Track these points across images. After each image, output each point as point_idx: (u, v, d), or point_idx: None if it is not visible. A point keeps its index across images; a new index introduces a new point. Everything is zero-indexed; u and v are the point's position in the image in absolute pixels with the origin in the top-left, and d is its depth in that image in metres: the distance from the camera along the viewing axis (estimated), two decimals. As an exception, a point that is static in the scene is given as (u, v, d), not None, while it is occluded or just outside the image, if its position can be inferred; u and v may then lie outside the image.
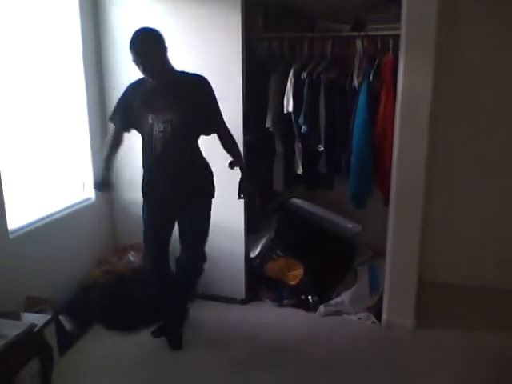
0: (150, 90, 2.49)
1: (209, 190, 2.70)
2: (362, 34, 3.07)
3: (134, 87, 2.58)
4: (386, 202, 2.97)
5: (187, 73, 2.55)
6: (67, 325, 2.70)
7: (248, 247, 3.23)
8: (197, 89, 2.53)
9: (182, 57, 2.97)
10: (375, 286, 3.09)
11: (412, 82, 2.67)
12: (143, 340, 2.83)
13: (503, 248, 3.36)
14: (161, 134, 2.47)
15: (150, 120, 2.48)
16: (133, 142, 3.21)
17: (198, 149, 2.62)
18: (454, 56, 3.16)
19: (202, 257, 2.73)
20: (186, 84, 2.52)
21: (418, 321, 2.91)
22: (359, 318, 3.00)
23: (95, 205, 3.27)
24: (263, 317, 3.10)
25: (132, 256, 3.19)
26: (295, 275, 3.16)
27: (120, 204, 3.38)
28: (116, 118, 2.64)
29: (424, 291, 2.99)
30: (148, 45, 2.38)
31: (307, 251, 3.18)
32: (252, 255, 3.24)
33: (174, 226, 2.74)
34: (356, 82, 3.04)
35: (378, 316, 2.97)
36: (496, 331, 2.90)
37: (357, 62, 3.08)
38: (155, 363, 2.64)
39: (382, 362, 2.64)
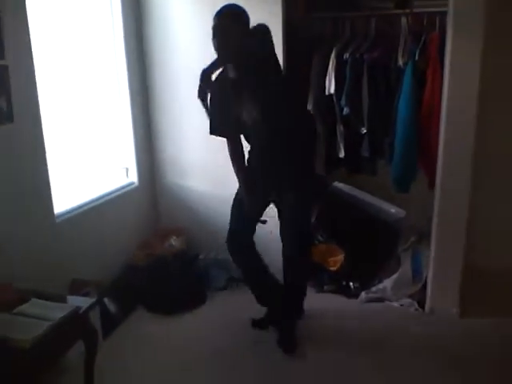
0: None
1: None
2: (407, 11, 2.98)
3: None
4: (432, 185, 2.91)
5: None
6: (111, 307, 2.79)
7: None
8: None
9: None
10: (418, 272, 3.04)
11: (460, 61, 2.58)
12: (185, 324, 2.89)
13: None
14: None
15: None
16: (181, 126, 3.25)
17: None
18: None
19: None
20: None
21: (462, 308, 2.85)
22: (401, 305, 2.96)
23: (138, 189, 3.36)
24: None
25: (174, 240, 3.26)
26: (336, 261, 3.16)
27: (163, 188, 3.46)
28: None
29: (470, 278, 2.91)
30: (224, 27, 2.26)
31: (349, 237, 3.16)
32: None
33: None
34: (401, 62, 2.96)
35: (421, 303, 2.93)
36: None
37: (402, 41, 3.00)
38: (196, 347, 2.68)
39: (426, 349, 2.60)
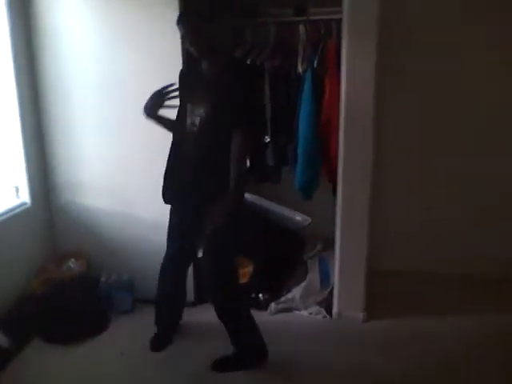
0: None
1: None
2: (305, 18, 3.04)
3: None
4: (335, 192, 2.98)
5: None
6: (2, 341, 2.62)
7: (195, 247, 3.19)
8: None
9: (118, 50, 2.96)
10: (326, 279, 3.11)
11: (355, 66, 2.67)
12: (84, 353, 2.76)
13: (449, 234, 3.46)
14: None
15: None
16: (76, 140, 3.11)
17: None
18: (399, 39, 3.16)
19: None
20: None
21: (368, 312, 2.95)
22: (310, 313, 3.01)
23: (31, 210, 3.16)
24: (213, 319, 3.07)
25: (72, 263, 3.11)
26: (244, 273, 3.16)
27: (59, 208, 3.28)
28: None
29: (374, 281, 3.02)
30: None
31: (256, 247, 3.16)
32: (199, 255, 3.20)
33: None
34: (300, 69, 3.01)
35: (330, 310, 3.00)
36: (446, 317, 2.99)
37: (300, 49, 3.04)
38: (101, 374, 2.59)
39: (333, 356, 2.66)
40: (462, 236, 3.45)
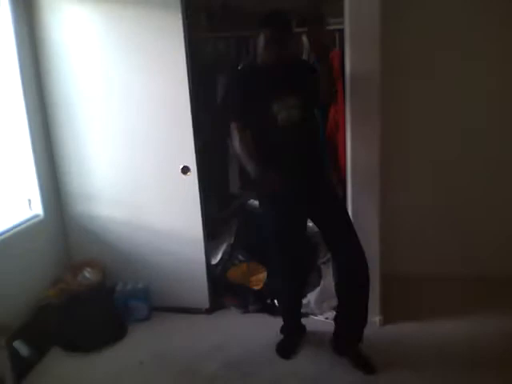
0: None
1: None
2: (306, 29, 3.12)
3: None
4: (344, 196, 3.05)
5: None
6: (23, 350, 2.68)
7: (208, 254, 3.27)
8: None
9: (126, 64, 3.04)
10: (340, 283, 3.16)
11: (359, 74, 2.74)
12: (103, 361, 2.82)
13: (465, 237, 3.51)
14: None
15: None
16: (86, 151, 3.22)
17: None
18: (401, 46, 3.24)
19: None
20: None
21: (385, 316, 3.00)
22: (326, 318, 3.06)
23: (44, 221, 3.23)
24: (230, 325, 3.15)
25: (88, 272, 3.18)
26: (259, 279, 3.22)
27: (72, 219, 3.35)
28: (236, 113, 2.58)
29: (389, 285, 3.07)
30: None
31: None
32: (213, 262, 3.28)
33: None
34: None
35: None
36: (462, 320, 3.03)
37: (305, 58, 3.13)
38: (120, 383, 2.64)
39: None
40: (476, 237, 3.51)
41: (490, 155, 3.42)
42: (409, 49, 3.27)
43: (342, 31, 2.86)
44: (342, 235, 2.62)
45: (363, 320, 2.67)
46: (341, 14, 2.78)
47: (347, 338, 2.72)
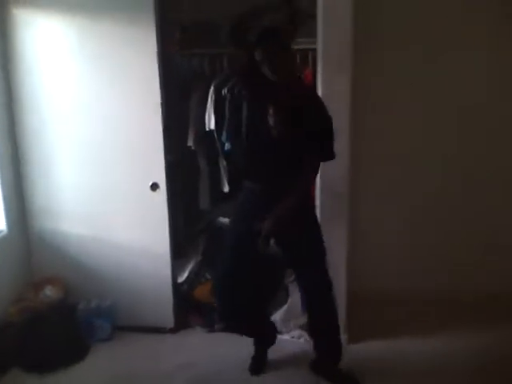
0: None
1: None
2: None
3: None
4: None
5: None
6: (-21, 371, 2.61)
7: (175, 272, 3.25)
8: None
9: (98, 79, 3.04)
10: (307, 302, 3.19)
11: (330, 93, 2.81)
12: (65, 381, 2.76)
13: (430, 255, 3.60)
14: None
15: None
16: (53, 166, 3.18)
17: None
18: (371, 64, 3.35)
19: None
20: None
21: (350, 335, 3.03)
22: (292, 337, 3.08)
23: (8, 237, 3.15)
24: (195, 344, 3.13)
25: (49, 290, 3.11)
26: (226, 299, 3.22)
27: (36, 235, 3.28)
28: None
29: (355, 303, 3.12)
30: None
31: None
32: (180, 280, 3.26)
33: None
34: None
35: (311, 333, 3.07)
36: (427, 338, 3.10)
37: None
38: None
39: (316, 381, 2.73)
40: (441, 254, 3.59)
41: (455, 173, 3.54)
42: (381, 69, 3.39)
43: (313, 51, 2.95)
44: (305, 259, 2.63)
45: (336, 342, 2.71)
46: (313, 33, 2.87)
47: (323, 359, 2.75)
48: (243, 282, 2.64)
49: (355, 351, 2.95)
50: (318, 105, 2.48)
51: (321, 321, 2.71)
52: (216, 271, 2.93)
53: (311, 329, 2.81)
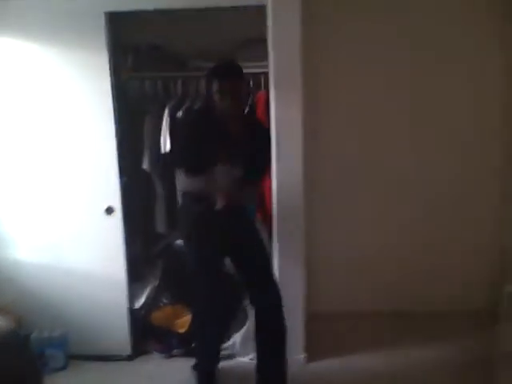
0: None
1: None
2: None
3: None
4: (271, 235, 3.16)
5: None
6: None
7: (131, 297, 3.23)
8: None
9: (51, 103, 3.06)
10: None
11: (283, 115, 2.92)
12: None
13: (387, 274, 3.71)
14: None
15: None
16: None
17: None
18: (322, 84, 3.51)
19: None
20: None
21: (310, 353, 3.08)
22: (251, 359, 3.10)
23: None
24: (153, 371, 3.10)
25: (0, 320, 3.04)
26: (183, 322, 3.22)
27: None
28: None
29: (314, 322, 3.18)
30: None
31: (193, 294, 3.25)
32: (136, 306, 3.25)
33: None
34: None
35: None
36: (385, 355, 3.18)
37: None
38: None
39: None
40: (398, 273, 3.70)
41: (409, 189, 3.68)
42: (332, 89, 3.54)
43: (266, 74, 3.04)
44: (258, 282, 2.75)
45: (282, 366, 2.73)
46: (264, 57, 2.97)
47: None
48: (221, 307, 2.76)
49: (313, 370, 3.00)
50: (265, 134, 2.81)
51: (270, 339, 2.74)
52: (197, 304, 2.95)
53: (259, 349, 2.80)
